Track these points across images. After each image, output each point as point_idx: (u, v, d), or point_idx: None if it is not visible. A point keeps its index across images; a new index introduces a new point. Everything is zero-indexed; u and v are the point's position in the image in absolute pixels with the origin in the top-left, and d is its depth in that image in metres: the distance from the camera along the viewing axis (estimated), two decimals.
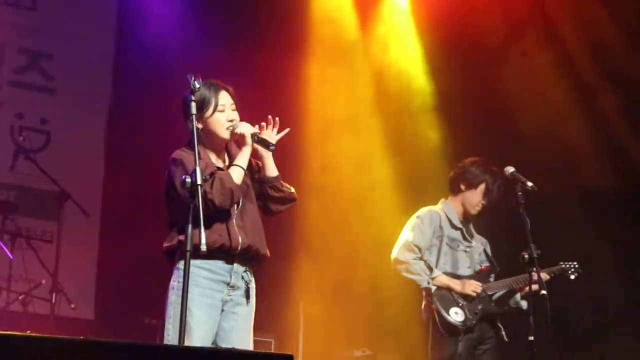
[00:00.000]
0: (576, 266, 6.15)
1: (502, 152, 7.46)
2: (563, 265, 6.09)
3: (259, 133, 4.44)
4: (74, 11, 8.30)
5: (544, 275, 6.02)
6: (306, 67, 8.50)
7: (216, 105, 4.45)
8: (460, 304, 5.99)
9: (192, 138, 4.30)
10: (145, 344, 3.23)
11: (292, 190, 4.60)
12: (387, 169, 8.58)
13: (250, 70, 7.85)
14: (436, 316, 5.93)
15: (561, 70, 8.08)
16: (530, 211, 5.46)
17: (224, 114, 4.47)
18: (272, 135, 4.49)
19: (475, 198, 6.21)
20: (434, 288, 5.99)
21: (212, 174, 4.26)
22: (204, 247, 4.00)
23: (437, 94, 8.66)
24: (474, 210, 6.25)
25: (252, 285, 4.51)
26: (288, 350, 7.26)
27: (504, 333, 6.16)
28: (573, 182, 7.91)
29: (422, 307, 6.12)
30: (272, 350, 7.37)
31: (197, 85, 4.27)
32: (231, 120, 4.47)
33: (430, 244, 6.15)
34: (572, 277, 6.13)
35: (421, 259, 6.09)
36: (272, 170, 4.52)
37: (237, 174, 4.36)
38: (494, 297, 6.18)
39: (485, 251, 6.34)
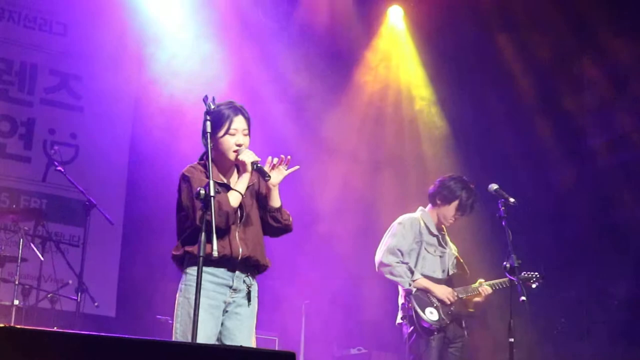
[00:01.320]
0: (537, 275, 6.15)
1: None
2: (525, 275, 6.07)
3: (259, 162, 4.43)
4: (100, 38, 8.34)
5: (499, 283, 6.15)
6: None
7: (229, 129, 4.47)
8: (435, 305, 6.05)
9: (205, 154, 4.34)
10: (160, 341, 3.25)
11: (289, 221, 4.64)
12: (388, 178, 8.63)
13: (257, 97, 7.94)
14: (413, 315, 5.94)
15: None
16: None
17: (234, 138, 4.49)
18: (282, 170, 4.52)
19: (449, 212, 6.35)
20: (414, 290, 6.05)
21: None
22: (215, 253, 4.10)
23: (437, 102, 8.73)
24: (447, 222, 6.41)
25: (254, 289, 4.56)
26: (290, 347, 7.28)
27: (467, 332, 6.19)
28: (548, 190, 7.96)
29: (399, 307, 6.18)
30: (276, 347, 7.39)
31: (213, 106, 4.34)
32: (239, 145, 4.48)
33: (410, 248, 6.28)
34: (534, 285, 6.11)
35: (402, 262, 6.19)
36: (275, 201, 4.57)
37: (234, 198, 4.42)
38: (461, 299, 6.22)
39: (457, 258, 6.36)
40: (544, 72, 8.25)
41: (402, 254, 6.19)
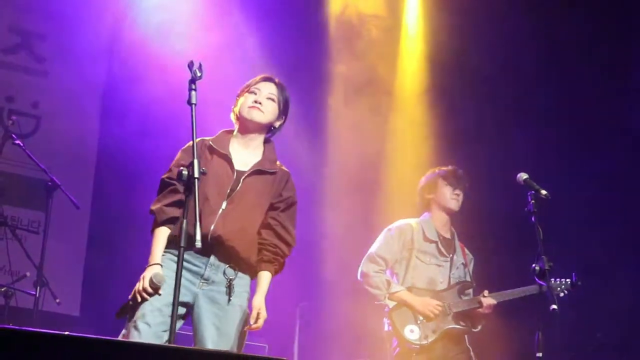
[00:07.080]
0: (568, 282, 6.20)
1: None
2: (553, 282, 6.10)
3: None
4: None
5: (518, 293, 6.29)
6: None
7: (249, 87, 4.64)
8: (418, 322, 6.16)
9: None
10: (126, 342, 3.26)
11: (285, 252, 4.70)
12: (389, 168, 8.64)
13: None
14: (392, 331, 6.06)
15: None
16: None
17: (253, 96, 4.61)
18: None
19: (444, 194, 6.47)
20: (391, 304, 6.18)
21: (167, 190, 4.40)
22: (198, 244, 4.03)
23: None
24: (453, 204, 6.49)
25: (240, 283, 4.47)
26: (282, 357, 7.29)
27: (472, 354, 6.24)
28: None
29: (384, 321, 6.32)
30: None
31: (199, 73, 4.30)
32: (259, 102, 4.56)
33: (399, 256, 6.39)
34: (562, 294, 6.15)
35: (383, 271, 6.29)
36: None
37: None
38: (457, 313, 6.29)
39: (464, 266, 6.42)
40: None
41: (385, 262, 6.30)
